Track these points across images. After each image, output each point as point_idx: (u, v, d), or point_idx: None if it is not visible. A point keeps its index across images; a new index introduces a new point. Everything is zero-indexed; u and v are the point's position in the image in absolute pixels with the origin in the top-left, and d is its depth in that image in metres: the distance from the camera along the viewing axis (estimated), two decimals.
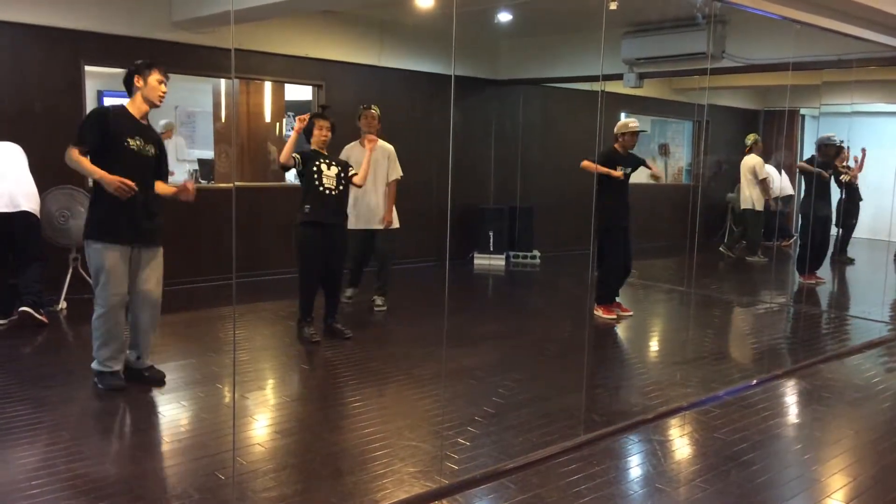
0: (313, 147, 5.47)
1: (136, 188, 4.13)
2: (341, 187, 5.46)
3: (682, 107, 11.91)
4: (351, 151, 6.34)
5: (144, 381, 4.44)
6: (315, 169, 5.34)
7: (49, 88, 6.47)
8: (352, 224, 6.08)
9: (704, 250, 10.53)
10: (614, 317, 6.60)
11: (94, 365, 4.36)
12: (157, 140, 4.44)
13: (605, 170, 6.22)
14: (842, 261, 10.12)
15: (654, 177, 7.11)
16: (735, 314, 7.55)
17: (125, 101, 4.37)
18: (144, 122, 4.35)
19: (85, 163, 4.11)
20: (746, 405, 4.45)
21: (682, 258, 9.55)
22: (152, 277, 4.38)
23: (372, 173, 6.06)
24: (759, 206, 10.05)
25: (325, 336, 5.61)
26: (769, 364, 5.42)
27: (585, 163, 6.30)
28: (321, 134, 5.41)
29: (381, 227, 6.39)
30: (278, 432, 3.91)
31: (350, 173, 5.58)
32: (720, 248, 10.68)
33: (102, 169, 4.10)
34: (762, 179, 9.95)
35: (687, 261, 9.16)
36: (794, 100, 11.35)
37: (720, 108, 12.41)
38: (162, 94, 4.31)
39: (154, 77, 4.25)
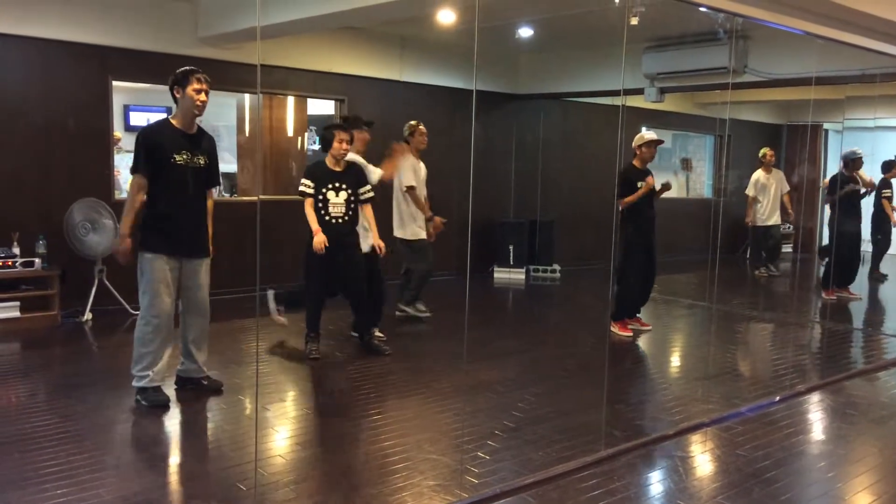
0: (329, 158, 5.29)
1: (185, 202, 4.23)
2: (350, 213, 5.30)
3: (704, 121, 11.87)
4: (417, 164, 6.51)
5: (202, 389, 4.50)
6: (322, 198, 5.21)
7: (76, 103, 6.58)
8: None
9: (726, 265, 10.45)
10: (630, 334, 6.55)
11: (137, 382, 4.30)
12: (207, 149, 4.39)
13: (637, 195, 6.18)
14: (874, 277, 9.99)
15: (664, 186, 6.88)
16: (758, 330, 7.48)
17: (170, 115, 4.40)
18: (192, 131, 4.32)
19: (129, 209, 4.19)
20: (769, 422, 4.41)
21: (704, 273, 9.49)
22: (202, 287, 4.39)
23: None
24: (771, 222, 9.98)
25: (358, 351, 5.63)
26: (793, 380, 5.37)
27: (627, 200, 6.22)
28: (340, 147, 5.24)
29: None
30: (299, 444, 3.93)
31: (364, 197, 5.39)
32: (756, 272, 10.44)
33: (153, 186, 4.18)
34: (752, 198, 9.89)
35: (709, 276, 9.09)
36: (817, 114, 11.27)
37: (742, 122, 12.34)
38: (201, 103, 4.25)
39: (191, 87, 4.20)
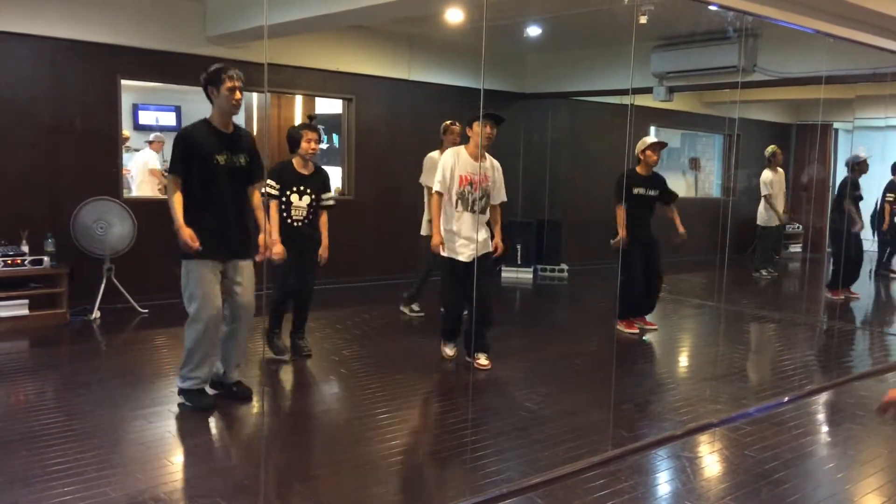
0: (297, 160, 5.15)
1: (226, 203, 4.18)
2: (310, 217, 5.18)
3: (713, 120, 11.82)
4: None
5: (232, 395, 4.41)
6: (284, 200, 5.10)
7: (86, 102, 6.60)
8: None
9: (735, 265, 10.40)
10: (636, 331, 6.53)
11: (184, 384, 4.27)
12: (247, 147, 4.30)
13: (621, 230, 6.05)
14: (881, 274, 9.93)
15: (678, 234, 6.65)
16: (766, 330, 7.44)
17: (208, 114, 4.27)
18: (229, 130, 4.23)
19: (175, 205, 4.09)
20: (778, 422, 4.39)
21: (713, 273, 9.46)
22: (247, 289, 4.31)
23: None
24: (773, 222, 9.96)
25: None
26: (801, 381, 5.34)
27: (619, 211, 6.17)
28: (309, 147, 5.08)
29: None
30: (305, 442, 3.93)
31: (324, 204, 5.24)
32: (761, 273, 10.40)
33: (195, 188, 4.10)
34: (769, 195, 9.86)
35: (717, 276, 9.06)
36: (827, 113, 11.21)
37: (751, 121, 12.29)
38: (236, 102, 4.14)
39: (225, 87, 4.09)
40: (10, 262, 5.96)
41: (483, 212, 5.16)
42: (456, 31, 7.44)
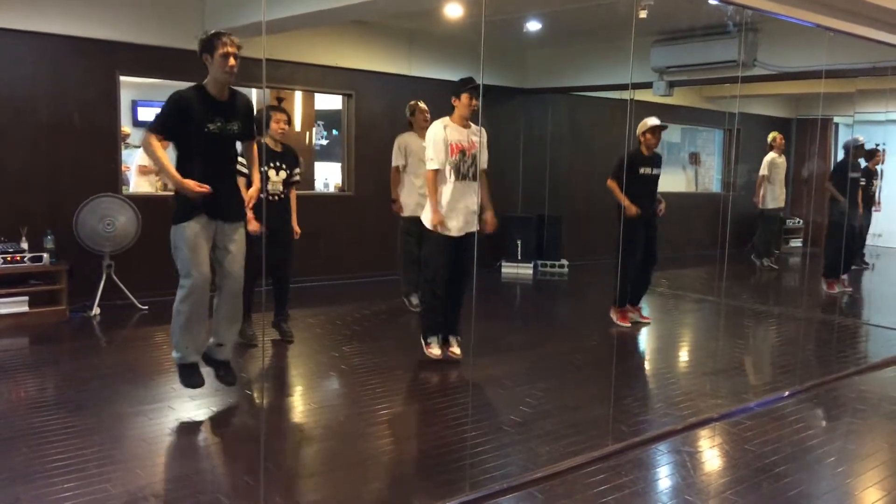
0: (268, 139, 5.34)
1: (216, 169, 4.04)
2: (285, 193, 5.46)
3: (713, 115, 11.81)
4: (409, 139, 6.60)
5: (217, 377, 4.32)
6: (263, 175, 5.12)
7: (85, 98, 6.60)
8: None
9: (735, 260, 10.40)
10: (629, 325, 6.54)
11: (174, 354, 4.18)
12: (242, 111, 4.19)
13: (626, 202, 6.00)
14: (856, 265, 9.87)
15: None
16: (766, 324, 7.44)
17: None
18: (224, 97, 4.10)
19: (163, 159, 3.96)
20: (778, 417, 4.39)
21: (713, 267, 9.46)
22: (237, 258, 4.18)
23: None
24: (766, 205, 9.96)
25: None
26: (802, 375, 5.34)
27: (611, 183, 6.23)
28: (278, 127, 5.35)
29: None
30: (306, 439, 3.93)
31: (294, 179, 5.51)
32: (762, 262, 10.41)
33: (185, 155, 4.00)
34: (763, 177, 9.87)
35: (717, 270, 9.06)
36: (827, 108, 11.21)
37: (751, 116, 12.28)
38: (230, 68, 4.00)
39: (219, 53, 3.97)
40: (9, 258, 5.96)
41: (475, 179, 5.17)
42: (455, 27, 7.42)
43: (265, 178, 5.23)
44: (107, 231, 6.35)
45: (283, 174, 5.45)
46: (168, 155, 4.12)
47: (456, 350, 5.27)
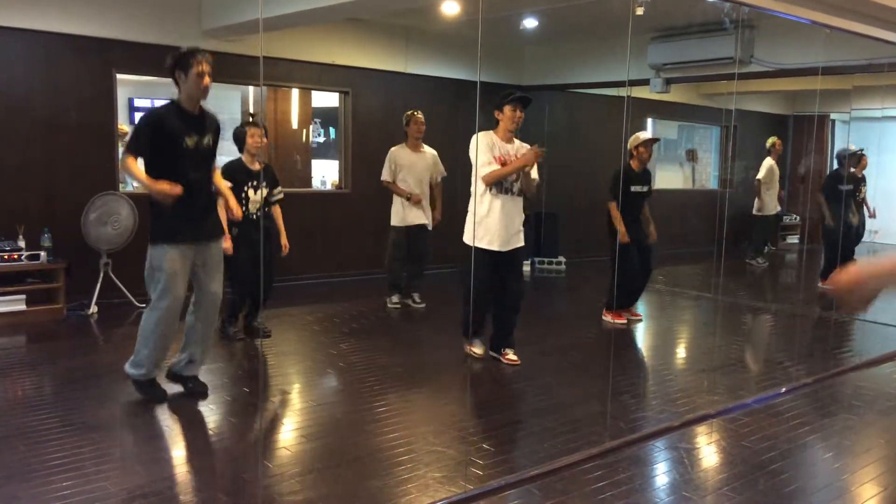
0: (245, 157, 5.37)
1: (195, 185, 4.05)
2: (266, 209, 5.45)
3: (710, 112, 11.81)
4: (400, 153, 6.69)
5: (187, 390, 4.34)
6: (243, 195, 5.27)
7: (81, 96, 6.58)
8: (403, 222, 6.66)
9: (732, 257, 10.42)
10: (624, 321, 6.55)
11: (132, 370, 4.21)
12: (214, 127, 4.24)
13: (622, 230, 6.06)
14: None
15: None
16: (763, 321, 7.46)
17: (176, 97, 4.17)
18: (198, 111, 4.12)
19: (136, 171, 3.99)
20: (775, 413, 4.40)
21: (710, 264, 9.46)
22: (216, 277, 4.24)
23: (421, 179, 6.62)
24: (766, 211, 10.00)
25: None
26: (798, 372, 5.35)
27: (612, 209, 6.19)
28: (255, 142, 5.33)
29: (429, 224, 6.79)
30: (304, 436, 3.93)
31: (275, 198, 5.55)
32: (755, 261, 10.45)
33: (162, 171, 3.96)
34: (763, 183, 9.93)
35: (714, 267, 9.07)
36: (823, 104, 11.21)
37: (748, 112, 12.28)
38: (204, 87, 4.02)
39: (194, 72, 3.97)
40: (6, 257, 5.95)
41: (519, 194, 5.09)
42: (452, 24, 7.42)
43: (246, 199, 5.30)
44: (115, 229, 6.36)
45: (262, 192, 5.36)
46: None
47: (512, 357, 5.18)
